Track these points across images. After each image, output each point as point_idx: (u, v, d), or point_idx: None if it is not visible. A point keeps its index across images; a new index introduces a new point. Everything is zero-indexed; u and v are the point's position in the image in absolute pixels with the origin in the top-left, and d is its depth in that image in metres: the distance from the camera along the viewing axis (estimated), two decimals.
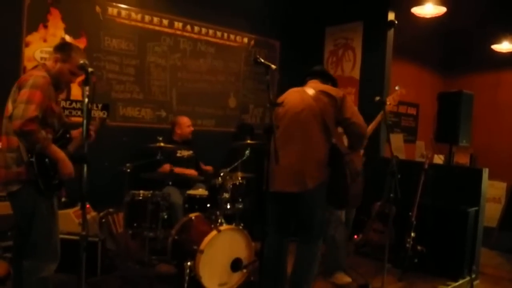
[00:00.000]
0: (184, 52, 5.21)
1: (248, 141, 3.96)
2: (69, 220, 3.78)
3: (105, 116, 3.19)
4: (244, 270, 3.54)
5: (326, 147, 3.03)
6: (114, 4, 4.62)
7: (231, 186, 3.69)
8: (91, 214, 3.98)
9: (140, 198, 3.66)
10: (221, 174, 3.70)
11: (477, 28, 6.61)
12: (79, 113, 4.31)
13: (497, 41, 6.46)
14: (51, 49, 2.78)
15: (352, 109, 3.07)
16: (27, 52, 4.10)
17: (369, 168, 3.23)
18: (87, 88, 2.15)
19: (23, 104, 2.35)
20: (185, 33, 5.20)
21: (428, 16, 5.27)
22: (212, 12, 5.36)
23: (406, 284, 4.00)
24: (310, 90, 3.12)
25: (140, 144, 4.11)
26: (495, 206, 6.20)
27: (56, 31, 4.25)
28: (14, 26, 4.03)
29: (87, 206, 3.29)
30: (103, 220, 4.17)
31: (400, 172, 3.38)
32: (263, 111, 6.07)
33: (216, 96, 5.54)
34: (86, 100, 2.13)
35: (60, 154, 2.50)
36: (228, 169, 3.84)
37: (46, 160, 2.47)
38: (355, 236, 4.75)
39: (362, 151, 3.43)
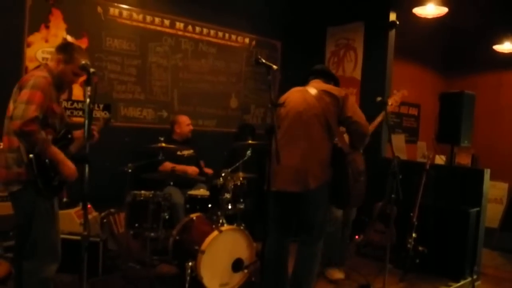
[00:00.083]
0: (186, 53, 5.21)
1: (250, 142, 3.96)
2: (70, 220, 3.78)
3: (109, 116, 3.18)
4: (245, 271, 3.54)
5: (328, 147, 3.03)
6: (116, 4, 4.63)
7: (232, 186, 3.69)
8: (93, 214, 3.99)
9: (142, 198, 3.66)
10: (223, 174, 3.70)
11: (478, 28, 6.61)
12: (80, 113, 4.34)
13: (499, 41, 6.44)
14: (52, 50, 2.78)
15: (354, 108, 3.07)
16: (29, 52, 4.10)
17: (370, 169, 3.23)
18: (88, 88, 2.16)
19: (23, 104, 2.35)
20: (186, 34, 5.20)
21: (429, 17, 5.26)
22: (213, 12, 5.37)
23: (408, 285, 3.99)
24: (312, 89, 3.12)
25: (141, 145, 4.12)
26: (497, 206, 6.19)
27: (57, 31, 4.25)
28: (16, 27, 4.04)
29: (89, 206, 3.29)
30: (105, 220, 4.18)
31: (402, 172, 3.38)
32: (265, 111, 6.07)
33: (217, 97, 5.55)
34: (88, 100, 2.13)
35: (60, 155, 2.50)
36: (230, 170, 3.84)
37: (46, 161, 2.47)
38: (357, 237, 4.75)
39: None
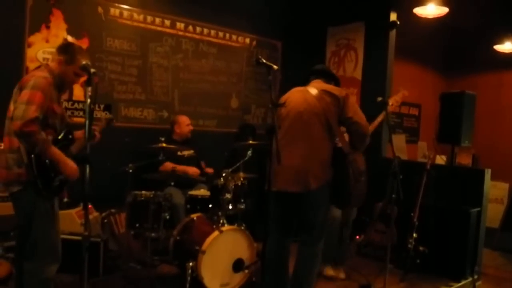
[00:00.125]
0: (186, 53, 5.21)
1: (250, 142, 3.96)
2: (71, 220, 3.79)
3: (111, 116, 3.19)
4: (246, 271, 3.54)
5: (329, 147, 3.03)
6: (116, 4, 4.63)
7: (233, 186, 3.69)
8: (93, 215, 3.99)
9: (142, 198, 3.66)
10: (223, 174, 3.70)
11: (479, 28, 6.60)
12: (81, 113, 4.34)
13: (500, 41, 6.44)
14: (53, 50, 2.78)
15: (355, 108, 3.06)
16: (30, 52, 4.11)
17: (371, 169, 3.23)
18: (89, 88, 2.16)
19: (23, 105, 2.34)
20: (187, 34, 5.20)
21: (430, 17, 5.26)
22: (214, 12, 5.37)
23: (408, 285, 3.99)
24: (313, 89, 3.11)
25: (142, 145, 4.12)
26: (498, 206, 6.19)
27: (58, 31, 4.26)
28: (16, 27, 4.04)
29: (89, 206, 3.30)
30: (105, 221, 4.18)
31: (402, 172, 3.38)
32: (265, 111, 6.07)
33: (218, 97, 5.55)
34: (89, 100, 2.13)
35: (60, 156, 2.49)
36: (230, 170, 3.84)
37: (47, 161, 2.47)
38: (357, 237, 4.75)
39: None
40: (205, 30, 5.36)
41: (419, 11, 5.20)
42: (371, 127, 3.61)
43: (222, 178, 3.68)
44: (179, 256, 3.60)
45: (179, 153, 4.56)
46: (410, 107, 7.24)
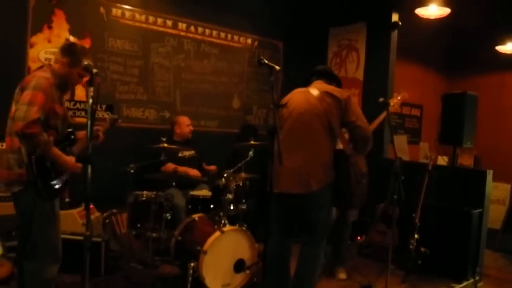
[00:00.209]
0: (188, 53, 5.22)
1: (252, 142, 3.96)
2: (73, 220, 3.79)
3: (116, 117, 3.19)
4: (247, 271, 3.54)
5: (331, 149, 3.03)
6: (118, 5, 4.64)
7: (234, 187, 3.70)
8: (95, 215, 4.00)
9: (144, 198, 3.66)
10: (225, 175, 3.70)
11: (481, 29, 6.59)
12: (83, 113, 4.35)
13: (502, 42, 6.43)
14: (55, 50, 2.78)
15: (357, 112, 3.05)
16: (32, 53, 4.11)
17: (372, 170, 3.22)
18: (91, 89, 2.15)
19: (25, 105, 2.34)
20: (189, 34, 5.21)
21: (432, 17, 5.26)
22: (215, 13, 5.37)
23: (410, 286, 3.99)
24: (314, 90, 3.11)
25: (143, 145, 4.12)
26: (499, 208, 6.17)
27: (60, 32, 4.26)
28: (18, 27, 4.05)
29: (91, 206, 3.30)
30: (107, 221, 4.19)
31: (404, 173, 3.38)
32: (267, 112, 6.07)
33: (219, 97, 5.55)
34: (91, 101, 2.13)
35: (60, 156, 2.50)
36: (232, 170, 3.85)
37: (47, 162, 2.47)
38: (359, 238, 4.75)
39: None
40: (207, 31, 5.36)
41: (421, 11, 5.20)
42: (372, 126, 3.61)
43: (223, 179, 3.68)
44: (180, 256, 3.60)
45: (180, 154, 4.56)
46: (412, 108, 7.24)
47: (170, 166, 4.24)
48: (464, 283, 4.11)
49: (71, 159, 2.55)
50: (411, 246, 4.10)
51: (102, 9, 4.53)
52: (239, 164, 4.05)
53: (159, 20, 4.94)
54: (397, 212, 3.88)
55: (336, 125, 3.01)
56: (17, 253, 2.84)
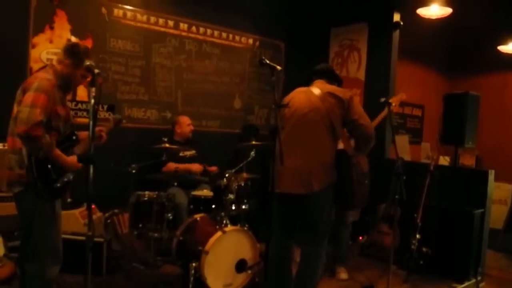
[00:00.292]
0: (190, 53, 5.22)
1: (253, 142, 3.96)
2: (74, 220, 3.80)
3: (120, 117, 3.19)
4: (249, 271, 3.54)
5: (332, 149, 3.02)
6: (120, 5, 4.64)
7: (236, 187, 3.69)
8: (97, 215, 4.00)
9: (145, 199, 3.67)
10: (226, 175, 3.70)
11: (483, 29, 6.58)
12: (85, 114, 4.36)
13: (503, 42, 6.43)
14: (57, 50, 2.78)
15: (360, 110, 3.04)
16: (34, 53, 4.12)
17: (374, 170, 3.22)
18: (93, 89, 2.15)
19: (27, 108, 2.34)
20: (190, 34, 5.21)
21: (433, 17, 5.26)
22: (217, 13, 5.37)
23: (411, 286, 3.98)
24: (316, 90, 3.10)
25: (145, 145, 4.12)
26: (501, 208, 6.17)
27: (62, 32, 4.27)
28: (20, 28, 4.05)
29: (93, 206, 3.31)
30: (109, 221, 4.19)
31: (406, 173, 3.37)
32: (268, 112, 6.07)
33: (221, 97, 5.55)
34: (92, 101, 2.13)
35: (61, 157, 2.51)
36: (233, 170, 3.84)
37: (48, 164, 2.48)
38: (360, 238, 4.74)
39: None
40: (209, 31, 5.36)
41: (423, 11, 5.19)
42: (374, 123, 3.60)
43: (225, 179, 3.68)
44: (182, 256, 3.60)
45: (181, 153, 4.56)
46: (414, 108, 7.23)
47: (171, 165, 4.25)
48: (466, 283, 4.10)
49: (71, 159, 2.56)
50: (412, 246, 4.10)
51: (103, 10, 4.54)
52: (241, 164, 4.05)
53: (161, 21, 4.95)
54: (398, 212, 3.87)
55: (338, 125, 3.00)
56: (19, 254, 2.84)
